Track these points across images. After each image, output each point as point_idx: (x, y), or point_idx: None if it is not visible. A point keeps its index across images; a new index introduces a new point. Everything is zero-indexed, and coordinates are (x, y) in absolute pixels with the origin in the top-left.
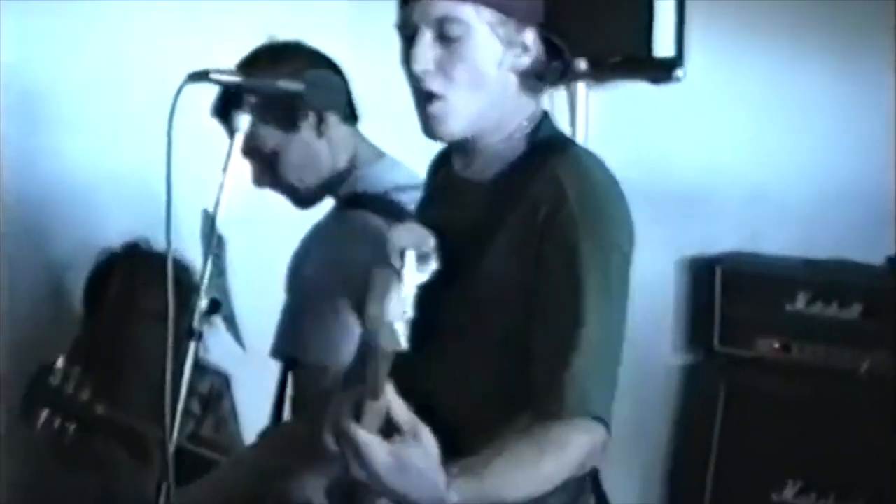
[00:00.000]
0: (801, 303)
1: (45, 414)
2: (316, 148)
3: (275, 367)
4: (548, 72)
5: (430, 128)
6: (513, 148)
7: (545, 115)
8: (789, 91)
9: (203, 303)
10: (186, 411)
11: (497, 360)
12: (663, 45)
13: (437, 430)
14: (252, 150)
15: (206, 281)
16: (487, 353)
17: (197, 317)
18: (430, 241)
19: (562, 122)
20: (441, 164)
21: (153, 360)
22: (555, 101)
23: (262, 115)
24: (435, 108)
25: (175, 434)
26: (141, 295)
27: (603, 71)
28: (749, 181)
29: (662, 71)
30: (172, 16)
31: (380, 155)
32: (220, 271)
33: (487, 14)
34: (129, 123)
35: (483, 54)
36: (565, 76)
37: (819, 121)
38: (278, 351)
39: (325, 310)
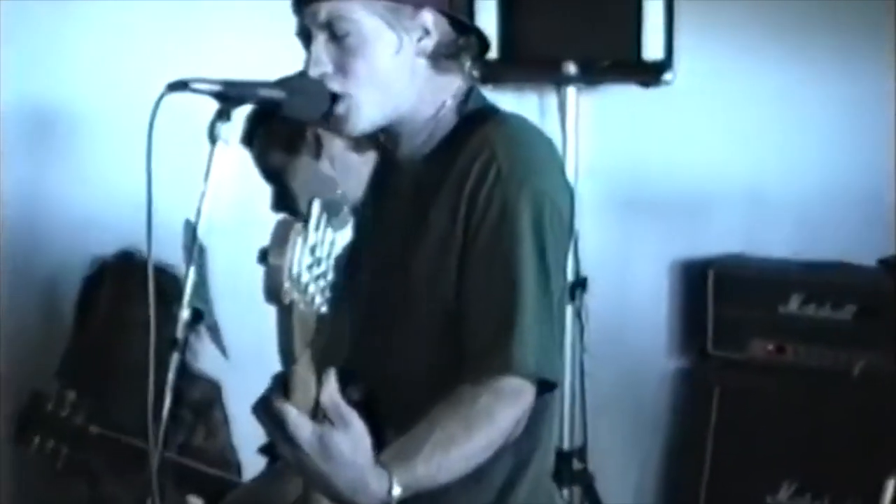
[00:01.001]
0: (794, 305)
1: (37, 439)
2: (315, 171)
3: (266, 375)
4: (459, 49)
5: (337, 127)
6: (443, 126)
7: (471, 90)
8: (780, 93)
9: (185, 313)
10: (178, 420)
11: (441, 337)
12: (653, 49)
13: (386, 411)
14: (265, 173)
15: (188, 291)
16: (432, 330)
17: (180, 327)
18: (337, 189)
19: (552, 125)
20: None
21: (143, 371)
22: (545, 104)
23: (268, 139)
24: (340, 108)
25: (160, 446)
26: (132, 304)
27: (593, 74)
28: (740, 183)
29: (652, 74)
30: (161, 28)
31: None
32: (202, 281)
33: (376, 5)
34: (121, 136)
35: (377, 46)
36: (486, 49)
37: (811, 122)
38: None
39: None
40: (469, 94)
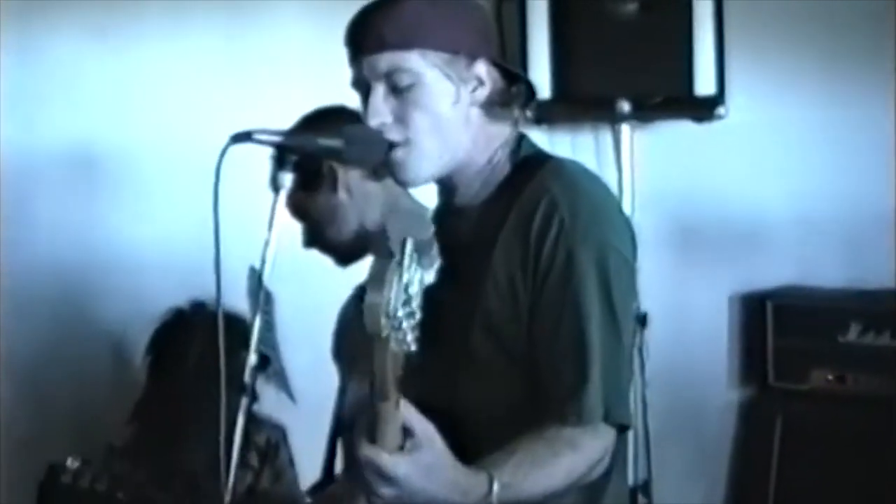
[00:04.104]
0: (853, 334)
1: None
2: (334, 203)
3: (328, 416)
4: (511, 98)
5: (396, 174)
6: (498, 173)
7: (522, 137)
8: (831, 123)
9: (253, 359)
10: (245, 464)
11: (505, 378)
12: (704, 84)
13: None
14: (292, 211)
15: (254, 337)
16: (496, 371)
17: (248, 373)
18: (430, 229)
19: (607, 163)
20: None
21: (216, 417)
22: (600, 142)
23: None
24: (398, 154)
25: (230, 491)
26: (208, 353)
27: (646, 111)
28: (796, 214)
29: (705, 109)
30: (215, 76)
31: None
32: (269, 327)
33: (434, 57)
34: (180, 183)
35: (437, 97)
36: (533, 97)
37: (863, 151)
38: None
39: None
40: (520, 141)
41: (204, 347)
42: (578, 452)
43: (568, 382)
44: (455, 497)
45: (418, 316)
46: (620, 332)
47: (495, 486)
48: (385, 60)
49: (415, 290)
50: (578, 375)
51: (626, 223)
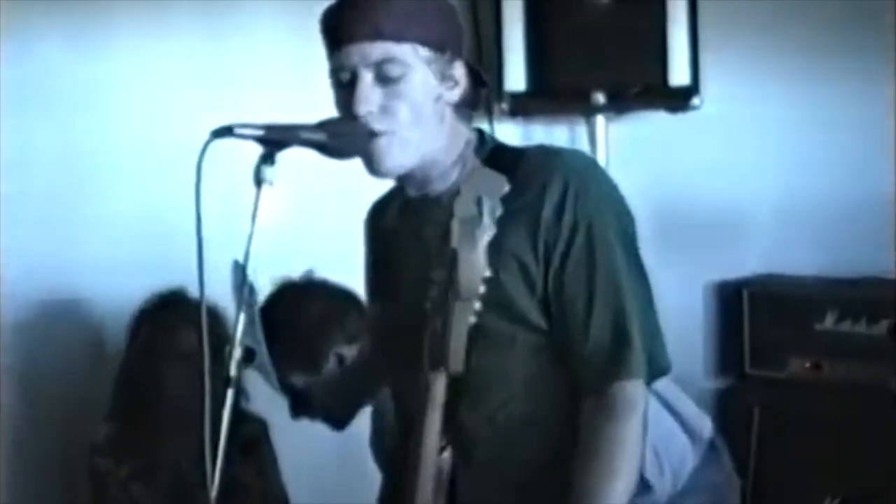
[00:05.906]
0: (829, 321)
1: None
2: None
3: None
4: (477, 100)
5: (374, 164)
6: (469, 166)
7: (482, 132)
8: (807, 112)
9: (237, 352)
10: (227, 458)
11: (520, 350)
12: (679, 74)
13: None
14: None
15: (239, 330)
16: (510, 343)
17: (233, 366)
18: (505, 187)
19: None
20: (380, 211)
21: (181, 405)
22: (575, 134)
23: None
24: (380, 143)
25: (217, 481)
26: (183, 341)
27: (621, 102)
28: (771, 203)
29: (679, 99)
30: (193, 77)
31: None
32: (252, 320)
33: (424, 52)
34: (163, 175)
35: (422, 91)
36: (483, 99)
37: (838, 140)
38: None
39: None
40: (482, 136)
41: (153, 329)
42: (628, 445)
43: (610, 337)
44: None
45: None
46: (646, 281)
47: None
48: (379, 49)
49: None
50: (619, 329)
51: (625, 200)
